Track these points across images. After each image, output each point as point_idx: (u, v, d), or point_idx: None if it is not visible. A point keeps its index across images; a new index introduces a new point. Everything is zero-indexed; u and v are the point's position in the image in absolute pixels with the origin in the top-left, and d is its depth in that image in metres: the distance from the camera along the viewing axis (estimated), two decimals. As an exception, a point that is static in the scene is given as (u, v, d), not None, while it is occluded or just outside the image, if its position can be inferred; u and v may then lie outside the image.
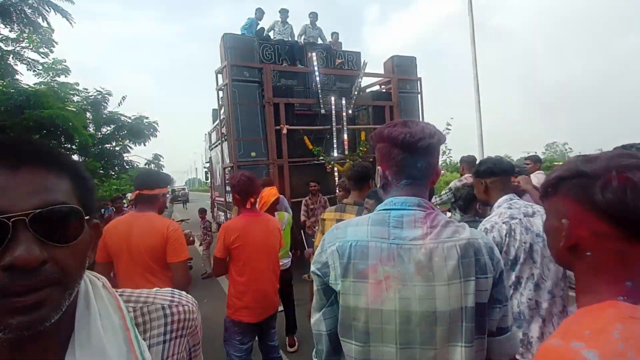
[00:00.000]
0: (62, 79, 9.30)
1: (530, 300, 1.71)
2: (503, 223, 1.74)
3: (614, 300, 0.57)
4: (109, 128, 10.93)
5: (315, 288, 0.97)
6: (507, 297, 0.95)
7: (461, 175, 4.56)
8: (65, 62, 9.17)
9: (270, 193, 3.22)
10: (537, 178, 4.65)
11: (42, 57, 8.66)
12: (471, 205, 2.44)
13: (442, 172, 5.60)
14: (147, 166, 13.02)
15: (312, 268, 0.97)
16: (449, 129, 7.42)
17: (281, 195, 4.21)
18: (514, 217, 1.75)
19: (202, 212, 7.65)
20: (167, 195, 2.23)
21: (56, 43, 8.64)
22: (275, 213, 3.30)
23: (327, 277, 0.93)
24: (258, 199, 3.38)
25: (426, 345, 0.86)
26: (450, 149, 7.84)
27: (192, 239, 2.58)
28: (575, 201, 0.61)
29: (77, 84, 9.74)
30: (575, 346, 0.52)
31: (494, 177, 1.93)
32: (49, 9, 6.04)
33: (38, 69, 8.62)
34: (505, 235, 1.71)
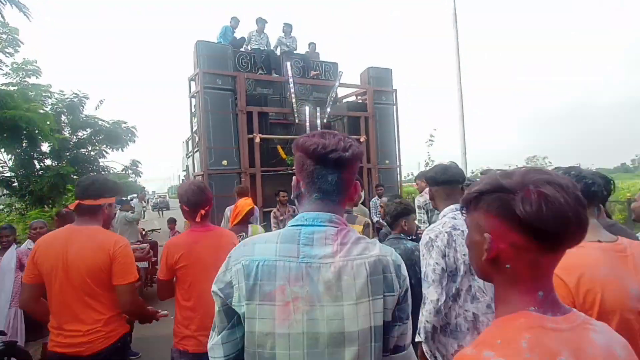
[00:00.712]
0: (33, 80, 9.06)
1: (467, 312, 1.70)
2: (445, 232, 1.73)
3: (526, 311, 0.61)
4: (85, 132, 10.72)
5: (216, 309, 0.90)
6: (408, 315, 0.94)
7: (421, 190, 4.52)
8: (36, 62, 8.93)
9: (244, 203, 3.13)
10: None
11: (7, 56, 8.42)
12: (398, 221, 2.38)
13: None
14: (124, 172, 12.80)
15: (214, 287, 0.90)
16: (432, 141, 7.49)
17: (255, 207, 4.13)
18: (457, 228, 1.73)
19: (172, 222, 7.23)
20: (117, 207, 2.07)
21: (22, 43, 8.46)
22: (249, 225, 3.15)
23: (230, 299, 0.87)
24: (232, 210, 3.25)
25: None
26: (433, 161, 7.90)
27: (150, 254, 2.41)
28: (496, 215, 0.63)
29: (50, 85, 9.50)
30: (486, 355, 0.56)
31: (436, 186, 1.92)
32: (5, 1, 5.74)
33: (3, 70, 8.34)
34: (445, 246, 1.70)
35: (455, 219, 1.77)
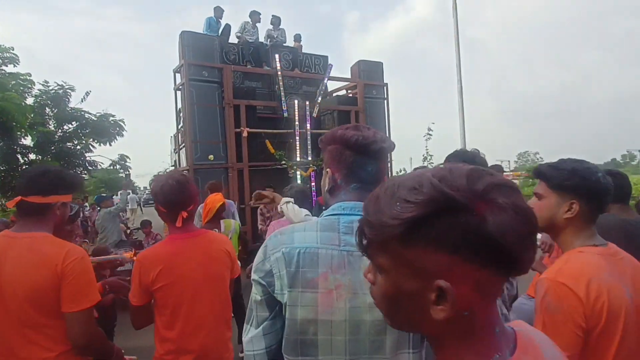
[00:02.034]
0: (10, 68, 8.67)
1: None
2: None
3: None
4: (71, 125, 10.44)
5: (255, 299, 0.89)
6: None
7: None
8: (13, 49, 8.49)
9: (214, 199, 3.02)
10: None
11: None
12: None
13: None
14: (111, 167, 12.56)
15: (254, 276, 0.89)
16: (430, 135, 7.35)
17: (228, 201, 4.00)
18: None
19: (146, 225, 6.09)
20: (74, 206, 1.57)
21: None
22: (221, 221, 3.08)
23: (272, 287, 0.86)
24: (201, 209, 3.10)
25: (376, 355, 0.85)
26: (431, 155, 7.73)
27: (119, 261, 2.06)
28: (454, 248, 0.43)
29: (29, 74, 9.10)
30: None
31: None
32: None
33: None
34: None
35: None
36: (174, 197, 1.55)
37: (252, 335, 0.89)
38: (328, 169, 0.98)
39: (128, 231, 6.92)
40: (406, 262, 0.46)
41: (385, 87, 7.71)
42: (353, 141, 0.92)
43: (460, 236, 0.42)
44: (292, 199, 2.09)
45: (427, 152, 7.61)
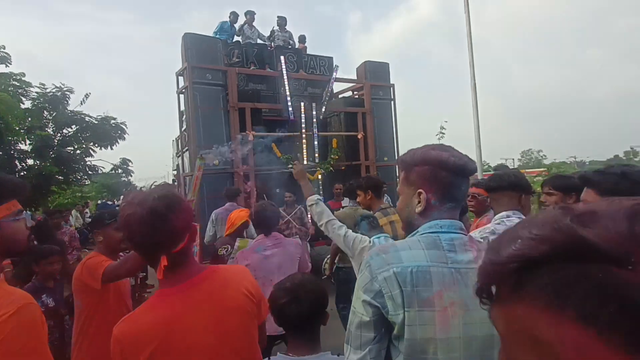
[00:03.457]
0: (2, 68, 8.41)
1: None
2: (481, 238, 1.72)
3: None
4: (70, 129, 10.25)
5: (362, 320, 0.87)
6: None
7: None
8: (4, 48, 8.21)
9: (239, 215, 2.85)
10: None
11: None
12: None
13: None
14: (113, 171, 12.40)
15: (364, 297, 0.87)
16: (443, 133, 7.17)
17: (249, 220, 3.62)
18: (496, 233, 1.74)
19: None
20: (23, 216, 1.03)
21: None
22: (237, 239, 2.80)
23: (385, 309, 0.85)
24: (218, 215, 2.88)
25: None
26: None
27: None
28: (585, 315, 0.29)
29: (23, 74, 8.86)
30: None
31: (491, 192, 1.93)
32: None
33: None
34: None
35: (499, 224, 1.72)
36: (145, 235, 0.97)
37: (358, 358, 0.87)
38: (421, 190, 0.96)
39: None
40: (517, 325, 0.33)
41: (392, 88, 7.54)
42: (451, 163, 0.93)
43: (597, 301, 0.28)
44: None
45: None
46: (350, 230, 1.90)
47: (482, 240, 1.52)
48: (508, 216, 1.73)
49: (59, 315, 2.62)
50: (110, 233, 1.89)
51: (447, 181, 0.94)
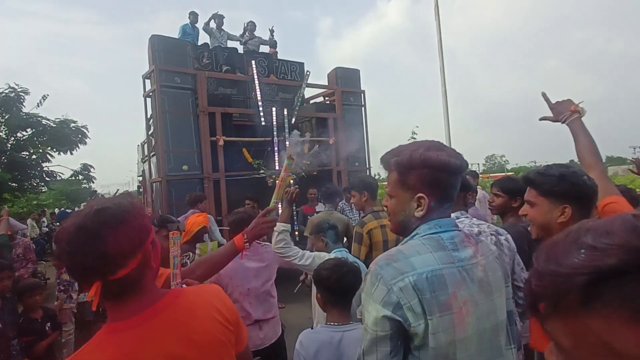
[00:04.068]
0: None
1: None
2: (491, 233, 1.79)
3: None
4: (25, 132, 9.64)
5: (378, 336, 0.83)
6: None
7: None
8: None
9: (195, 221, 2.75)
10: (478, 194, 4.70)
11: None
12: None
13: None
14: (73, 178, 11.75)
15: (385, 312, 0.82)
16: (415, 138, 7.34)
17: (209, 220, 3.51)
18: (501, 234, 1.78)
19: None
20: None
21: None
22: (197, 245, 2.73)
23: (407, 322, 0.82)
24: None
25: (497, 357, 0.91)
26: None
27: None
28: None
29: None
30: None
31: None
32: None
33: None
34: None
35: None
36: (73, 256, 0.78)
37: None
38: (422, 195, 0.93)
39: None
40: (592, 339, 0.31)
41: (362, 94, 7.69)
42: (450, 164, 0.91)
43: None
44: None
45: None
46: (306, 252, 2.09)
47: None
48: (457, 217, 1.73)
49: (4, 338, 2.28)
50: (160, 241, 1.63)
51: (447, 183, 0.94)
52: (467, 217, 1.78)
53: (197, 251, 2.67)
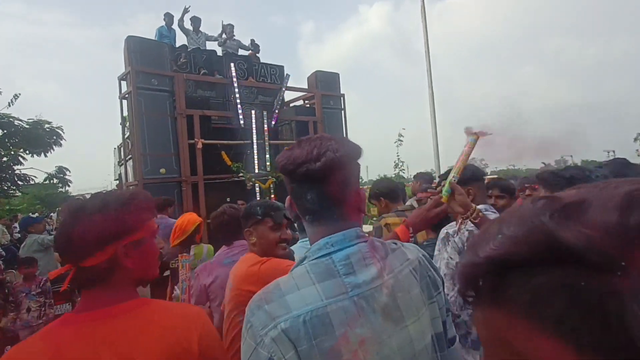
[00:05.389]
0: None
1: None
2: (467, 230, 1.74)
3: None
4: (-5, 135, 9.32)
5: None
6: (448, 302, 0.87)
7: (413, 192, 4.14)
8: None
9: (188, 219, 2.45)
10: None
11: None
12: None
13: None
14: (48, 181, 11.42)
15: None
16: (401, 141, 7.36)
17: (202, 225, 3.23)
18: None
19: (30, 263, 3.50)
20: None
21: None
22: (192, 246, 2.48)
23: None
24: (171, 234, 2.48)
25: None
26: (402, 162, 7.77)
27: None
28: (562, 327, 0.26)
29: None
30: None
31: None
32: None
33: None
34: (464, 243, 1.68)
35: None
36: (60, 241, 0.84)
37: None
38: (294, 210, 0.82)
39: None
40: (499, 334, 0.29)
41: (342, 98, 7.78)
42: (282, 167, 0.76)
43: (578, 313, 0.24)
44: None
45: (399, 159, 7.65)
46: None
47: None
48: (486, 210, 1.74)
49: None
50: (265, 232, 1.53)
51: (290, 189, 0.81)
52: (494, 212, 1.70)
53: (192, 253, 2.44)
